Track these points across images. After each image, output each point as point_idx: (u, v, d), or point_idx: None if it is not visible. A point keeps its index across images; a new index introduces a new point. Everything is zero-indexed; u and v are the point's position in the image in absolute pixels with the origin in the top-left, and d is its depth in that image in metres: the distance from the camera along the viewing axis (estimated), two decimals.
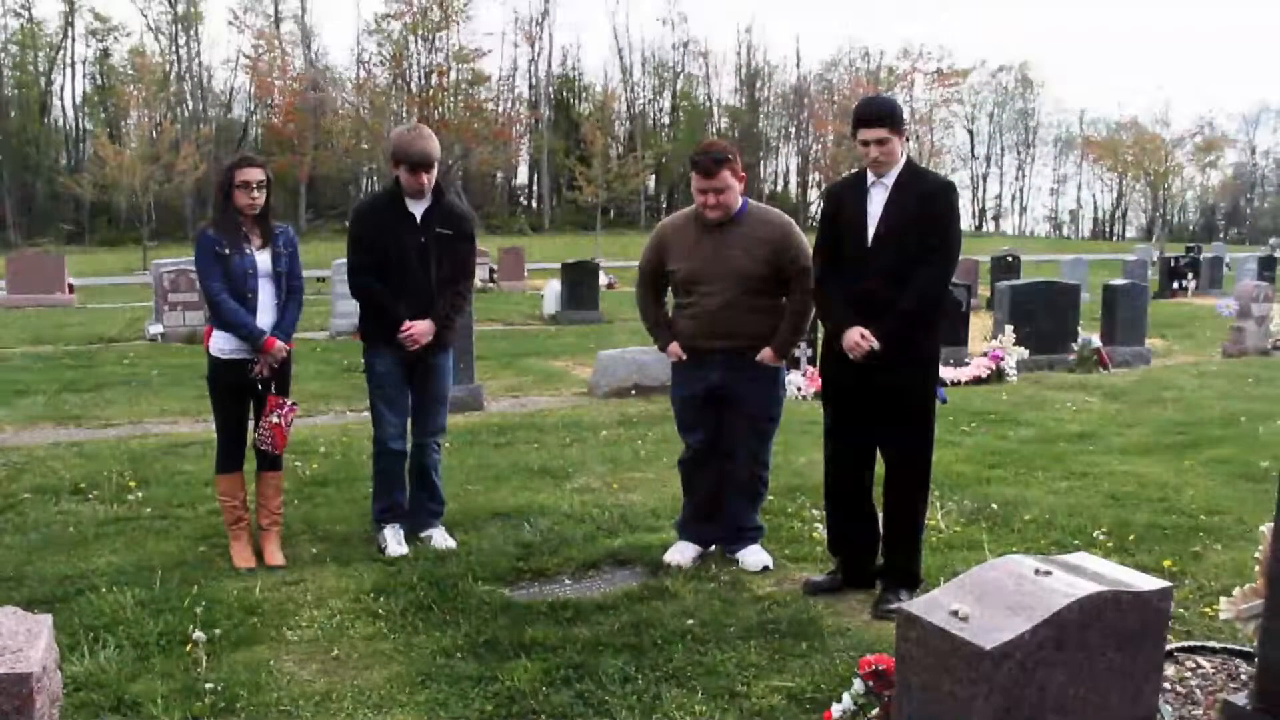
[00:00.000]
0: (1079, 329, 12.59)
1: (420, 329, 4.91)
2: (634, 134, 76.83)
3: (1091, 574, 2.44)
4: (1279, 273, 26.06)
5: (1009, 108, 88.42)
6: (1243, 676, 3.49)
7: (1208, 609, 4.10)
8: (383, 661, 3.73)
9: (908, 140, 4.31)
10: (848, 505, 4.49)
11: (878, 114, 4.19)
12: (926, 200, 4.15)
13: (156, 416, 9.02)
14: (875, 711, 2.90)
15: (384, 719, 3.30)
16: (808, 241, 4.68)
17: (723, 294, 4.64)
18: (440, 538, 5.10)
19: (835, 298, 4.35)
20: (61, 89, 69.43)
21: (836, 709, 3.01)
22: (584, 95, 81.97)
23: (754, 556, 4.77)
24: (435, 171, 4.94)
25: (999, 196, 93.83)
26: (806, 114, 78.98)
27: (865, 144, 4.19)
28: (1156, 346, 14.43)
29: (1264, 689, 2.97)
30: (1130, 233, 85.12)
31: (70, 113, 69.68)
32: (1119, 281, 13.97)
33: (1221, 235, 73.13)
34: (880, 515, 4.49)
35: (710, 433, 4.86)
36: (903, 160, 4.24)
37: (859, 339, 4.18)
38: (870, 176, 4.26)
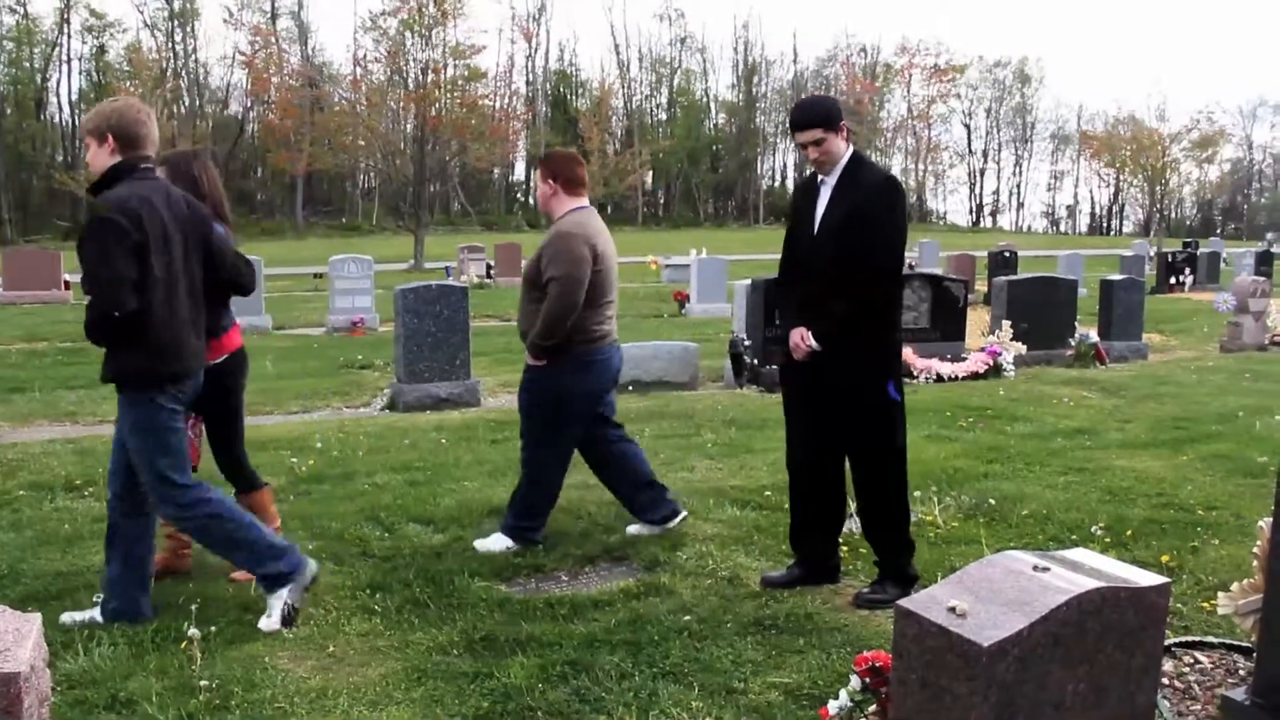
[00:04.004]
0: (1076, 324, 12.59)
1: None
2: (631, 130, 76.88)
3: (1089, 570, 2.43)
4: (1276, 268, 26.06)
5: (1006, 103, 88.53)
6: (1241, 672, 3.48)
7: (1206, 604, 4.09)
8: (379, 658, 3.71)
9: (850, 135, 4.27)
10: (804, 502, 4.46)
11: (810, 117, 4.18)
12: (865, 197, 4.12)
13: None
14: (872, 708, 2.89)
15: (380, 716, 3.28)
16: (576, 253, 4.71)
17: (522, 292, 5.01)
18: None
19: (786, 298, 4.42)
20: (57, 85, 69.40)
21: (833, 705, 3.00)
22: (581, 91, 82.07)
23: (488, 542, 4.89)
24: (94, 148, 3.91)
25: (996, 192, 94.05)
26: None
27: (803, 147, 4.21)
28: (1154, 342, 14.43)
29: (1262, 684, 2.96)
30: (1128, 228, 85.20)
31: (66, 109, 69.51)
32: (1116, 277, 13.97)
33: (1219, 230, 73.22)
34: (845, 511, 4.51)
35: None
36: (846, 156, 4.21)
37: (799, 340, 4.20)
38: (819, 175, 4.28)
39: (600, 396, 5.05)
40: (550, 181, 4.94)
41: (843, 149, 4.20)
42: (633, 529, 5.14)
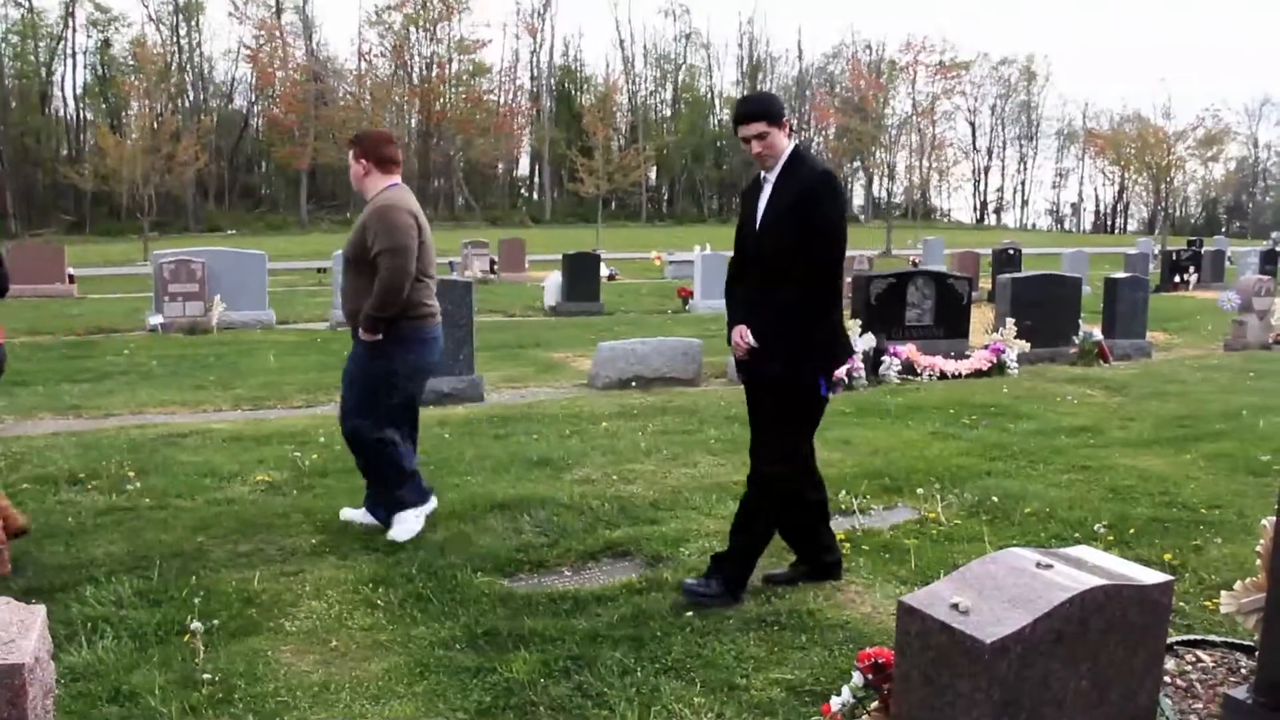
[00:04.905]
0: (1080, 322, 12.57)
1: None
2: (635, 126, 76.84)
3: (1093, 567, 2.43)
4: None
5: (1011, 100, 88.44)
6: (1243, 670, 3.48)
7: (1208, 603, 4.09)
8: (381, 653, 3.72)
9: (793, 131, 4.26)
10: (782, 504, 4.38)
11: (753, 110, 4.15)
12: (802, 192, 4.07)
13: (156, 407, 9.01)
14: (874, 704, 2.89)
15: (382, 710, 3.29)
16: (401, 223, 4.80)
17: (344, 272, 5.09)
18: None
19: (732, 297, 4.40)
20: (62, 79, 69.55)
21: (836, 701, 3.00)
22: (585, 87, 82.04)
23: (396, 532, 4.94)
24: None
25: (1000, 189, 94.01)
26: (808, 106, 78.88)
27: (746, 140, 4.17)
28: (1158, 340, 14.41)
29: (1264, 683, 2.96)
30: (1132, 226, 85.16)
31: (71, 103, 69.69)
32: (1120, 275, 13.94)
33: (1224, 229, 73.09)
34: (817, 504, 4.42)
35: None
36: (787, 152, 4.17)
37: (738, 338, 4.19)
38: (763, 173, 4.25)
39: (427, 373, 5.19)
40: (363, 161, 5.01)
41: (785, 144, 4.16)
42: (352, 515, 5.26)
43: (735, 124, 4.22)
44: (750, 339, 4.15)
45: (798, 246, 4.04)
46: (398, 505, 5.03)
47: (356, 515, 5.25)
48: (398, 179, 5.09)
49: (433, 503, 5.17)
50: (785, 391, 4.17)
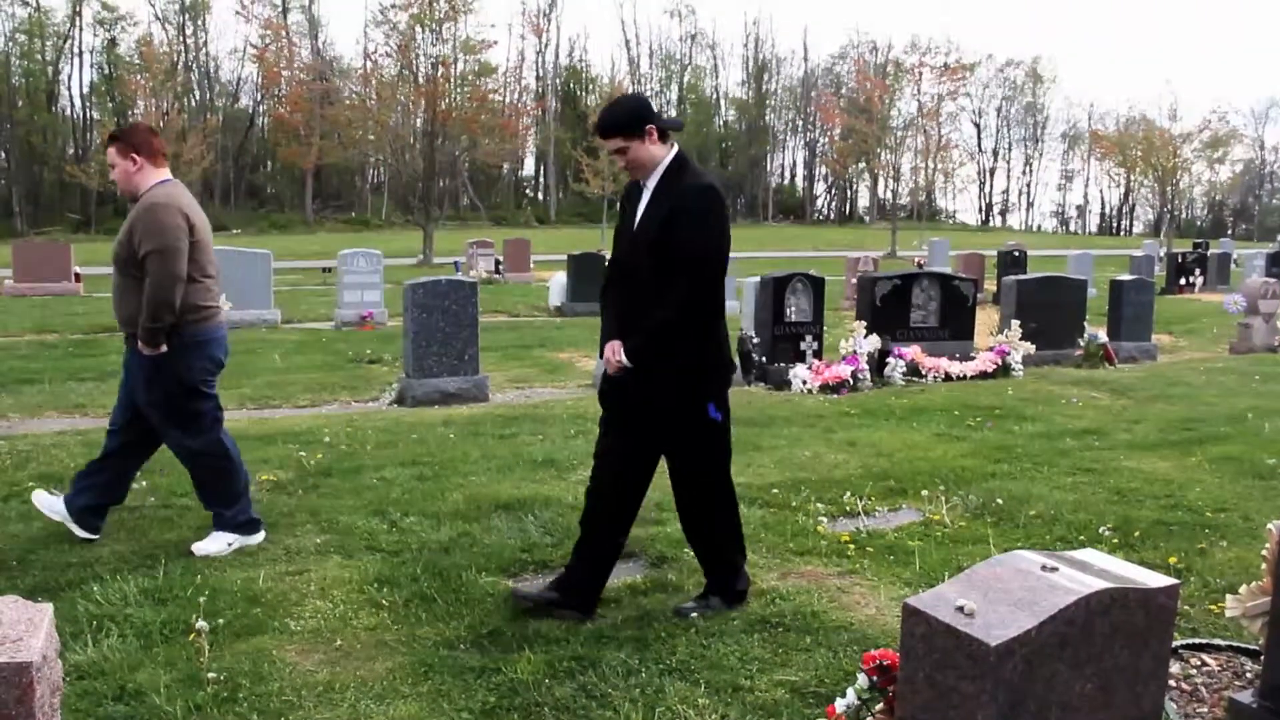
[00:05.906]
0: (1085, 325, 12.56)
1: None
2: None
3: (1098, 571, 2.43)
4: None
5: (1017, 102, 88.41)
6: (1248, 674, 3.48)
7: (1213, 606, 4.08)
8: (386, 652, 3.72)
9: (662, 136, 3.92)
10: (590, 495, 4.20)
11: (604, 125, 3.93)
12: (679, 206, 3.82)
13: None
14: (879, 706, 2.89)
15: (386, 710, 3.29)
16: (170, 222, 4.58)
17: (114, 274, 4.78)
18: None
19: (606, 309, 4.17)
20: (69, 78, 69.78)
21: (840, 703, 3.00)
22: (591, 87, 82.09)
23: (205, 545, 4.77)
24: None
25: (1006, 191, 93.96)
26: (814, 107, 78.87)
27: (611, 154, 4.01)
28: (1163, 343, 14.40)
29: (1269, 687, 2.96)
30: (1138, 228, 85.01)
31: (77, 102, 69.93)
32: (1126, 277, 13.93)
33: (1230, 231, 72.96)
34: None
35: (125, 407, 4.95)
36: (666, 160, 3.92)
37: (611, 354, 3.99)
38: (642, 180, 4.01)
39: (219, 371, 4.98)
40: (134, 156, 4.74)
41: (655, 154, 3.91)
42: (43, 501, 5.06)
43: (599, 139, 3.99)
44: (623, 357, 3.92)
45: (672, 262, 3.82)
46: (230, 523, 4.84)
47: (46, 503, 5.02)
48: (168, 173, 4.88)
49: (259, 537, 4.90)
50: (673, 424, 3.98)
